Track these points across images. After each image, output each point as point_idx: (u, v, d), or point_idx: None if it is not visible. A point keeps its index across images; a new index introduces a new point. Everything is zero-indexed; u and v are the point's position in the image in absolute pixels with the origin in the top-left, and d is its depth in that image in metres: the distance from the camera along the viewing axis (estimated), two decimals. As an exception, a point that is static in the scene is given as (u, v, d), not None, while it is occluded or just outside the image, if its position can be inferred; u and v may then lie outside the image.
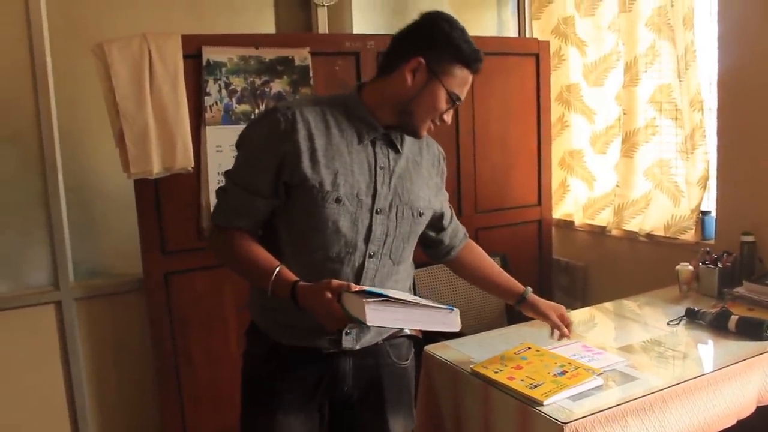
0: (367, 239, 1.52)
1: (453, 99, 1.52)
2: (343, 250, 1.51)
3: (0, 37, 2.50)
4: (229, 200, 1.54)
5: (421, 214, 1.61)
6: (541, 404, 1.62)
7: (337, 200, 1.48)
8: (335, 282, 1.36)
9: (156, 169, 2.43)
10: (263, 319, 1.61)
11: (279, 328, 1.57)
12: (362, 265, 1.53)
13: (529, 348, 1.93)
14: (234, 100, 2.59)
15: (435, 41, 1.49)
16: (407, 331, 1.70)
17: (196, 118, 2.54)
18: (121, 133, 2.40)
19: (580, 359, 1.85)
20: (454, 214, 1.84)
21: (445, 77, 1.49)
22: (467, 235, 1.89)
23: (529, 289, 1.85)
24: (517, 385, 1.71)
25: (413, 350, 1.75)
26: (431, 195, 1.66)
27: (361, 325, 1.38)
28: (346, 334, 1.55)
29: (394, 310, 1.35)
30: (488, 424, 1.77)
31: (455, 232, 1.83)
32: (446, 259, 1.87)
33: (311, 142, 1.47)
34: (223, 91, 2.57)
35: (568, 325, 1.84)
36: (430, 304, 1.42)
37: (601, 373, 1.76)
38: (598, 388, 1.71)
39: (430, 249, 1.84)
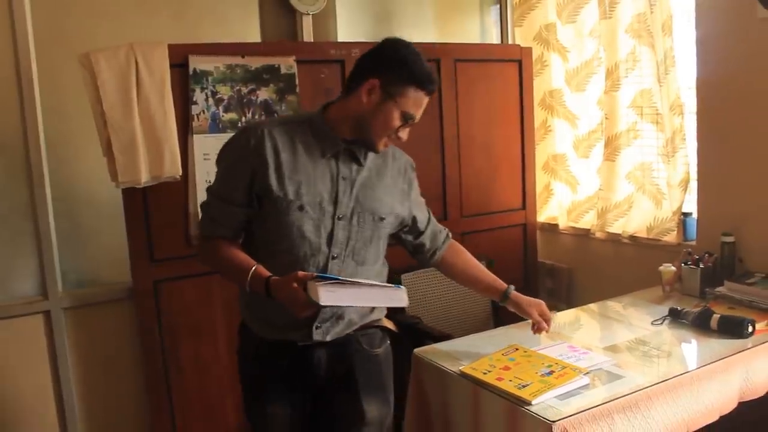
0: (329, 242, 1.69)
1: (406, 118, 1.67)
2: (308, 252, 1.68)
3: (-16, 48, 2.51)
4: (211, 212, 1.73)
5: (381, 219, 1.76)
6: (529, 404, 1.65)
7: (300, 208, 1.66)
8: (301, 273, 1.54)
9: (144, 177, 2.44)
10: (249, 316, 1.79)
11: (261, 324, 1.75)
12: (326, 266, 1.69)
13: (517, 349, 1.96)
14: (221, 108, 2.61)
15: (390, 65, 1.65)
16: (382, 323, 1.84)
17: (183, 127, 2.55)
18: (108, 143, 2.40)
19: (567, 359, 1.89)
20: (432, 218, 1.98)
21: (399, 98, 1.65)
22: (450, 236, 2.02)
23: (512, 287, 2.00)
24: (505, 385, 1.74)
25: (388, 341, 1.88)
26: (395, 202, 1.81)
27: (318, 307, 1.53)
28: (317, 328, 1.70)
29: (346, 290, 1.52)
30: (477, 425, 1.80)
31: (434, 234, 1.96)
32: (432, 262, 1.99)
33: (277, 157, 1.66)
34: (210, 100, 2.59)
35: (548, 321, 1.99)
36: (380, 284, 1.61)
37: (587, 373, 1.79)
38: (585, 387, 1.74)
39: (416, 254, 1.98)
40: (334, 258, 1.70)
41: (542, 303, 2.02)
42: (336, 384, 1.77)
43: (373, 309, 1.80)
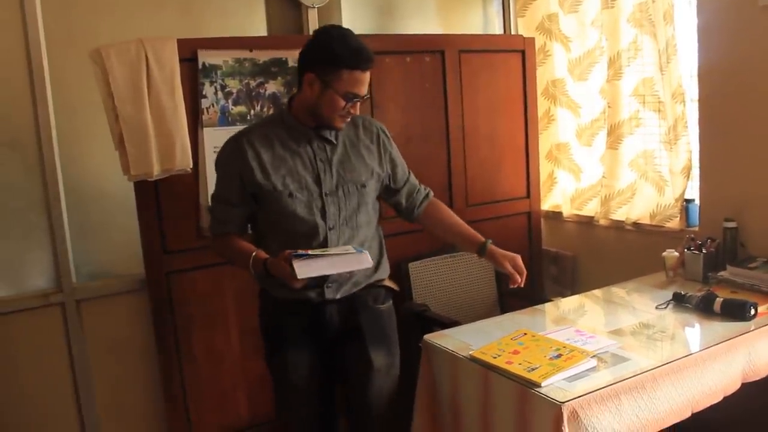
0: (323, 217, 1.95)
1: (348, 97, 1.87)
2: (306, 229, 1.94)
3: (-3, 44, 2.54)
4: (215, 214, 2.03)
5: (363, 186, 2.01)
6: (539, 386, 1.70)
7: (290, 195, 1.92)
8: (287, 252, 1.80)
9: (156, 170, 2.48)
10: (270, 284, 2.00)
11: (280, 288, 1.93)
12: (326, 238, 1.95)
13: (525, 334, 2.01)
14: (230, 101, 2.65)
15: (319, 56, 1.86)
16: (386, 283, 2.11)
17: (193, 120, 2.59)
18: (120, 137, 2.44)
19: (574, 343, 1.93)
20: (412, 179, 2.18)
21: (335, 83, 1.85)
22: (430, 195, 2.21)
23: (490, 240, 2.12)
24: (515, 368, 1.79)
25: (391, 299, 2.14)
26: (374, 165, 2.05)
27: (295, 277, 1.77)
28: (328, 287, 1.97)
29: (316, 262, 1.78)
30: (488, 407, 1.85)
31: (410, 193, 2.17)
32: (413, 218, 2.19)
33: (259, 159, 1.92)
34: (219, 93, 2.62)
35: (521, 273, 2.07)
36: (344, 252, 1.84)
37: (594, 356, 1.84)
38: (592, 369, 1.79)
39: (398, 213, 2.21)
40: (331, 229, 1.95)
41: (517, 256, 2.10)
42: (346, 336, 2.03)
43: (376, 270, 2.06)
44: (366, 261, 1.83)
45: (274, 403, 2.17)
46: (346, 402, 2.13)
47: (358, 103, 1.92)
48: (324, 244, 1.94)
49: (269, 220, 1.98)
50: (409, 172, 2.18)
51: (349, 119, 1.96)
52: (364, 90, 1.89)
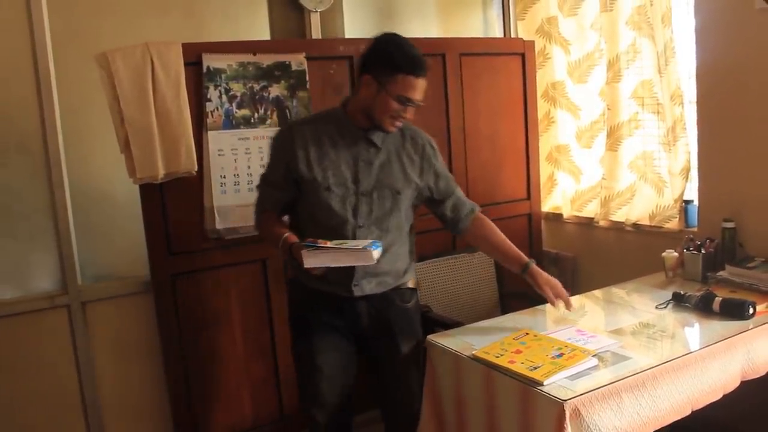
0: (355, 214, 2.05)
1: (401, 100, 1.98)
2: (337, 222, 2.04)
3: (4, 48, 2.57)
4: (260, 193, 2.17)
5: (398, 193, 2.10)
6: (541, 384, 1.72)
7: (328, 188, 2.03)
8: (307, 239, 1.92)
9: (161, 173, 2.51)
10: (299, 273, 2.09)
11: (311, 278, 2.02)
12: (354, 234, 2.04)
13: (527, 333, 2.03)
14: (234, 105, 2.67)
15: (377, 59, 1.98)
16: (409, 285, 2.22)
17: (198, 124, 2.62)
18: (126, 140, 2.47)
19: (576, 342, 1.96)
20: (458, 193, 2.25)
21: (389, 86, 1.96)
22: (476, 211, 2.27)
23: (533, 261, 2.18)
24: (518, 367, 1.81)
25: (416, 296, 2.27)
26: (413, 175, 2.14)
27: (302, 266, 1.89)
28: (354, 285, 2.07)
29: (323, 254, 1.87)
30: (491, 406, 1.87)
31: (457, 207, 2.24)
32: (458, 230, 2.27)
33: (306, 149, 2.05)
34: (224, 97, 2.65)
35: (563, 299, 2.14)
36: (353, 247, 1.89)
37: (595, 355, 1.87)
38: (594, 368, 1.82)
39: (443, 224, 2.29)
40: (360, 227, 2.05)
41: (558, 284, 2.16)
42: (376, 331, 2.15)
43: (405, 272, 2.19)
44: (369, 258, 1.87)
45: (297, 393, 2.26)
46: (380, 394, 2.25)
47: (411, 109, 2.01)
48: (353, 239, 2.04)
49: (306, 210, 2.10)
50: (455, 186, 2.25)
51: (400, 124, 2.05)
52: (416, 96, 1.99)
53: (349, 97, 2.13)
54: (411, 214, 2.20)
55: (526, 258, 2.18)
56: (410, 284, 2.24)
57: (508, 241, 2.23)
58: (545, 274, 2.16)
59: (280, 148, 2.10)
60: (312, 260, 1.87)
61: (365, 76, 1.99)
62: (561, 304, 2.15)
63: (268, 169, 2.16)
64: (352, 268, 2.01)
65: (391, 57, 1.96)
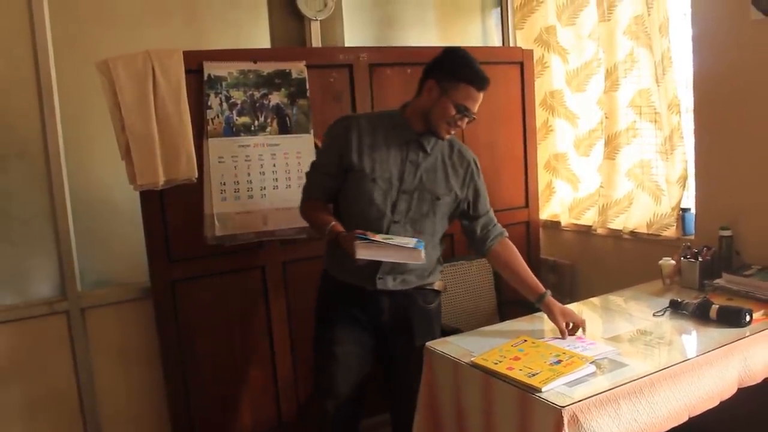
0: (393, 210, 2.16)
1: (460, 109, 2.09)
2: (375, 214, 2.15)
3: (6, 56, 2.58)
4: (311, 179, 2.27)
5: (438, 198, 2.20)
6: (539, 391, 1.73)
7: (373, 180, 2.14)
8: (357, 231, 2.00)
9: (161, 180, 2.52)
10: (331, 264, 2.27)
11: (340, 270, 2.21)
12: (389, 228, 2.15)
13: (526, 340, 2.05)
14: (234, 112, 2.69)
15: (443, 67, 2.11)
16: (435, 287, 2.32)
17: (198, 131, 2.62)
18: (127, 147, 2.48)
19: (574, 349, 1.97)
20: (491, 215, 2.35)
21: (450, 92, 2.09)
22: (504, 234, 2.36)
23: (549, 292, 2.23)
24: (516, 374, 1.82)
25: (438, 298, 2.36)
26: (456, 186, 2.24)
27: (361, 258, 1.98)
28: (379, 279, 2.17)
29: (376, 248, 1.96)
30: (490, 412, 1.88)
31: (486, 226, 2.32)
32: (484, 250, 2.34)
33: (360, 140, 2.15)
34: (224, 104, 2.67)
35: (579, 324, 2.14)
36: (404, 244, 2.00)
37: (593, 361, 1.88)
38: (592, 374, 1.83)
39: (470, 240, 2.38)
40: (395, 222, 2.16)
41: (573, 313, 2.18)
42: (396, 329, 2.24)
43: (429, 274, 2.27)
44: (418, 257, 1.99)
45: (313, 385, 2.41)
46: (391, 394, 2.33)
47: (466, 120, 2.13)
48: (387, 233, 2.13)
49: (347, 198, 2.20)
50: (490, 208, 2.35)
51: (453, 132, 2.17)
52: (474, 107, 2.11)
53: (408, 102, 2.23)
54: (445, 224, 2.29)
55: (543, 288, 2.24)
56: (435, 286, 2.33)
57: (529, 270, 2.30)
58: (560, 305, 2.19)
59: (337, 135, 2.19)
60: (364, 252, 1.95)
61: (429, 81, 2.12)
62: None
63: (320, 156, 2.28)
64: (379, 262, 2.09)
65: (458, 67, 2.09)
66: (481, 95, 2.11)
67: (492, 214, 2.36)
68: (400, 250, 1.98)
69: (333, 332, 2.23)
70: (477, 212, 2.31)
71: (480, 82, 2.09)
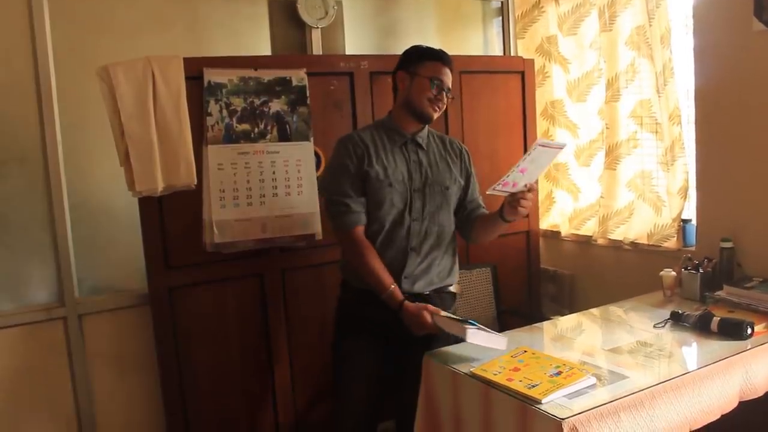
0: (410, 209, 2.25)
1: (433, 82, 2.20)
2: (397, 216, 2.24)
3: (6, 62, 2.58)
4: (336, 209, 2.24)
5: (447, 188, 2.32)
6: (539, 402, 1.71)
7: (390, 185, 2.23)
8: (431, 307, 2.13)
9: (160, 186, 2.51)
10: (351, 274, 2.32)
11: (357, 279, 2.26)
12: (410, 226, 2.25)
13: (525, 351, 2.03)
14: (234, 119, 2.68)
15: (405, 58, 2.29)
16: (452, 289, 2.39)
17: (198, 138, 2.61)
18: (126, 153, 2.48)
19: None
20: (480, 200, 2.43)
21: (419, 70, 2.22)
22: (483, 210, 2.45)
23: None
24: (515, 385, 1.80)
25: (455, 303, 2.41)
26: (457, 174, 2.36)
27: (439, 331, 2.13)
28: (405, 278, 2.24)
29: (483, 334, 2.04)
30: (488, 424, 1.86)
31: (474, 209, 2.40)
32: (468, 225, 2.40)
33: (368, 150, 2.24)
34: (224, 111, 2.66)
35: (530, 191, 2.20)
36: (491, 331, 2.09)
37: (594, 373, 1.86)
38: (592, 386, 1.81)
39: (459, 223, 2.40)
40: (414, 220, 2.25)
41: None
42: (415, 339, 2.19)
43: (449, 273, 2.35)
44: (502, 343, 2.07)
45: (332, 390, 2.37)
46: (400, 401, 2.33)
47: (446, 96, 2.23)
48: (408, 233, 2.24)
49: (368, 204, 2.24)
50: (479, 196, 2.45)
51: (439, 110, 2.24)
52: (447, 81, 2.23)
53: (392, 108, 2.34)
54: (453, 218, 2.37)
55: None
56: (453, 288, 2.40)
57: (485, 214, 2.41)
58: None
59: (352, 152, 2.24)
60: (474, 337, 2.02)
61: (398, 74, 2.27)
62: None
63: (335, 184, 2.25)
64: (405, 262, 2.23)
65: (417, 51, 2.27)
66: (448, 71, 2.23)
67: (481, 201, 2.45)
68: (490, 335, 2.06)
69: (357, 340, 2.28)
70: (468, 197, 2.41)
71: (441, 54, 2.23)
